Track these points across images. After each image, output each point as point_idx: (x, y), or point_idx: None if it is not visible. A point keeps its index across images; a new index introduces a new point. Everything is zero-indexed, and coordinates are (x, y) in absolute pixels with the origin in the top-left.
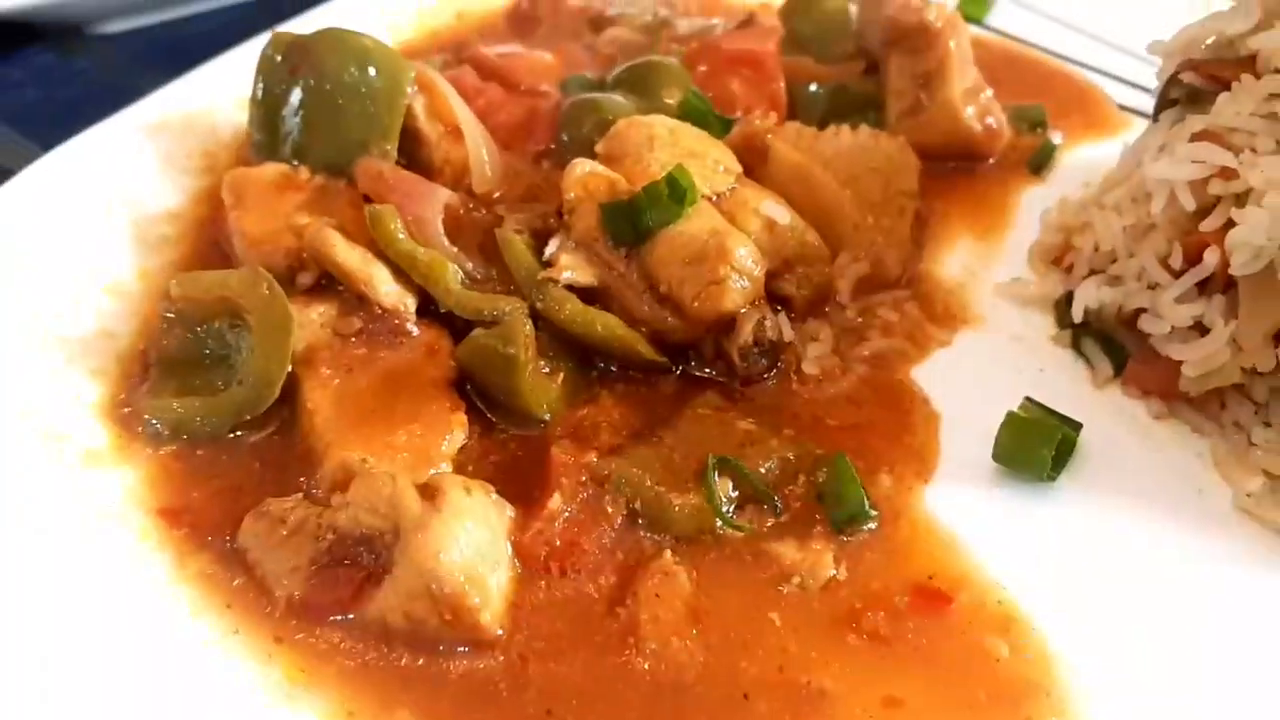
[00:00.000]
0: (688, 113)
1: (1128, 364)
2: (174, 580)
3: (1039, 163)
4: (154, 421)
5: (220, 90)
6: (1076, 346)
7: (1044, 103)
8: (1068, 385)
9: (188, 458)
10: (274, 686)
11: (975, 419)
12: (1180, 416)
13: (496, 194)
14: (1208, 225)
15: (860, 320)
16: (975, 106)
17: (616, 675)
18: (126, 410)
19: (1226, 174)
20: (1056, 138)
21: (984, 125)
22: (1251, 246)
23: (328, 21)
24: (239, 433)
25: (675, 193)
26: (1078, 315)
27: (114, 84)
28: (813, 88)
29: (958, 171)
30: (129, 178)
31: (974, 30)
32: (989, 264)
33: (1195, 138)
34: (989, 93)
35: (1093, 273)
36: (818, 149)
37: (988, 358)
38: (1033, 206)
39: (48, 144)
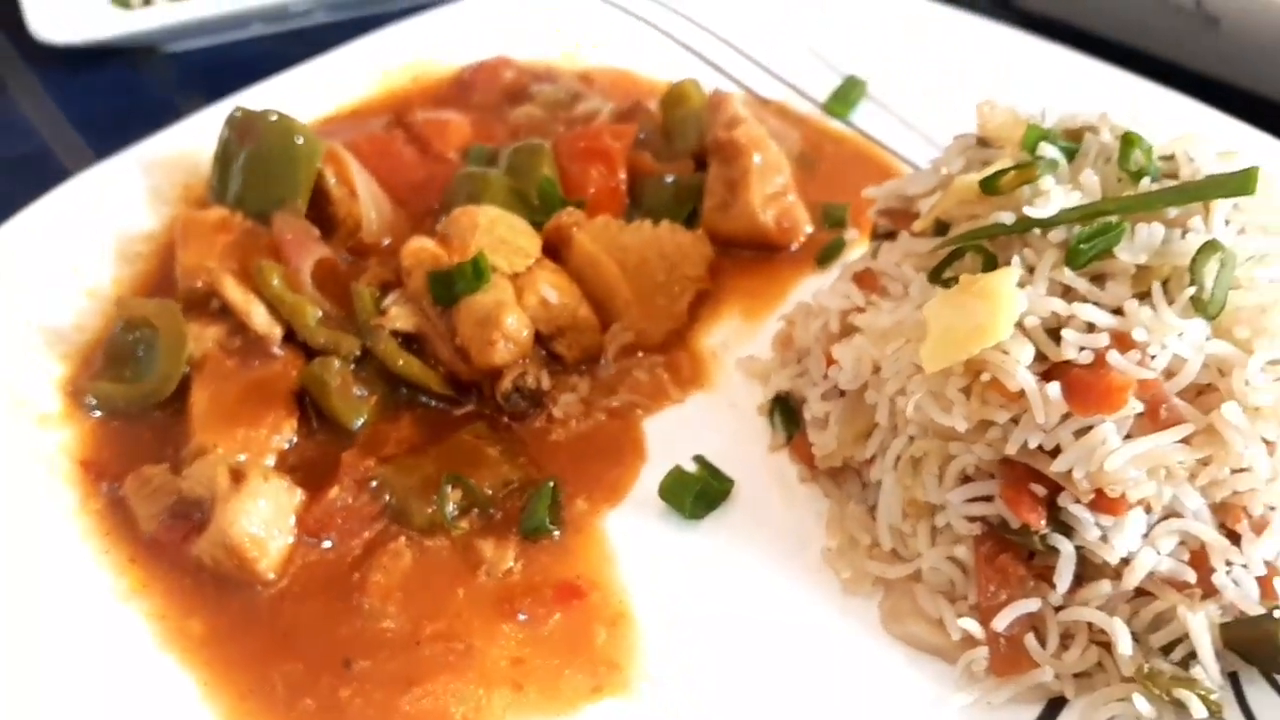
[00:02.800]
0: (541, 194)
1: (795, 437)
2: (78, 511)
3: (825, 256)
4: (91, 398)
5: (208, 135)
6: (770, 416)
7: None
8: (751, 446)
9: (109, 427)
10: (122, 590)
11: (670, 463)
12: (818, 483)
13: (386, 242)
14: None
15: (615, 378)
16: (774, 209)
17: (342, 615)
18: (75, 388)
19: (859, 310)
20: (851, 235)
21: (778, 224)
22: (847, 371)
23: (317, 73)
24: (154, 413)
25: (477, 272)
26: (769, 394)
27: (162, 100)
28: (669, 178)
29: (759, 259)
30: (123, 204)
31: (837, 124)
32: (745, 341)
33: (855, 276)
34: (791, 197)
35: (799, 360)
36: (618, 238)
37: (703, 417)
38: (807, 295)
39: (100, 150)
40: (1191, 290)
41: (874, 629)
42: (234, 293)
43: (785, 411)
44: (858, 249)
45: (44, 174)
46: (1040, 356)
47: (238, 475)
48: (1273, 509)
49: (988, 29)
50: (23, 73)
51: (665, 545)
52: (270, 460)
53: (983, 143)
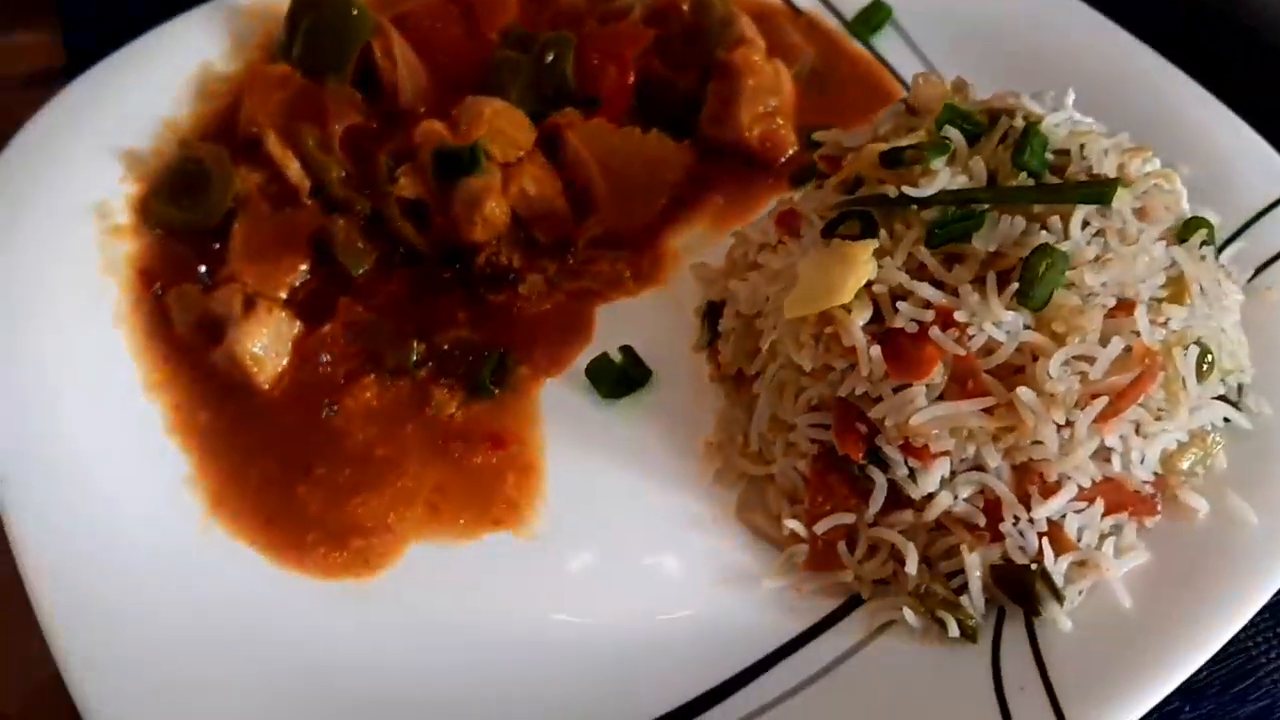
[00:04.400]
0: (555, 87)
1: (714, 341)
2: (130, 311)
3: (798, 178)
4: (154, 217)
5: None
6: (701, 319)
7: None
8: (680, 343)
9: (166, 243)
10: (153, 381)
11: (611, 347)
12: (721, 384)
13: (421, 110)
14: None
15: (581, 265)
16: (761, 127)
17: (314, 428)
18: (143, 206)
19: (770, 246)
20: None
21: (762, 143)
22: (742, 302)
23: None
24: (203, 237)
25: (472, 157)
26: (704, 299)
27: None
28: (675, 85)
29: (742, 172)
30: (211, 46)
31: (859, 45)
32: (708, 248)
33: (778, 214)
34: (780, 120)
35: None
36: (606, 140)
37: (650, 310)
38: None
39: None
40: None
41: (729, 513)
42: (275, 147)
43: (713, 318)
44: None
45: None
46: (880, 319)
47: (250, 303)
48: (1063, 478)
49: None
50: None
51: (583, 417)
52: (283, 293)
53: (912, 110)
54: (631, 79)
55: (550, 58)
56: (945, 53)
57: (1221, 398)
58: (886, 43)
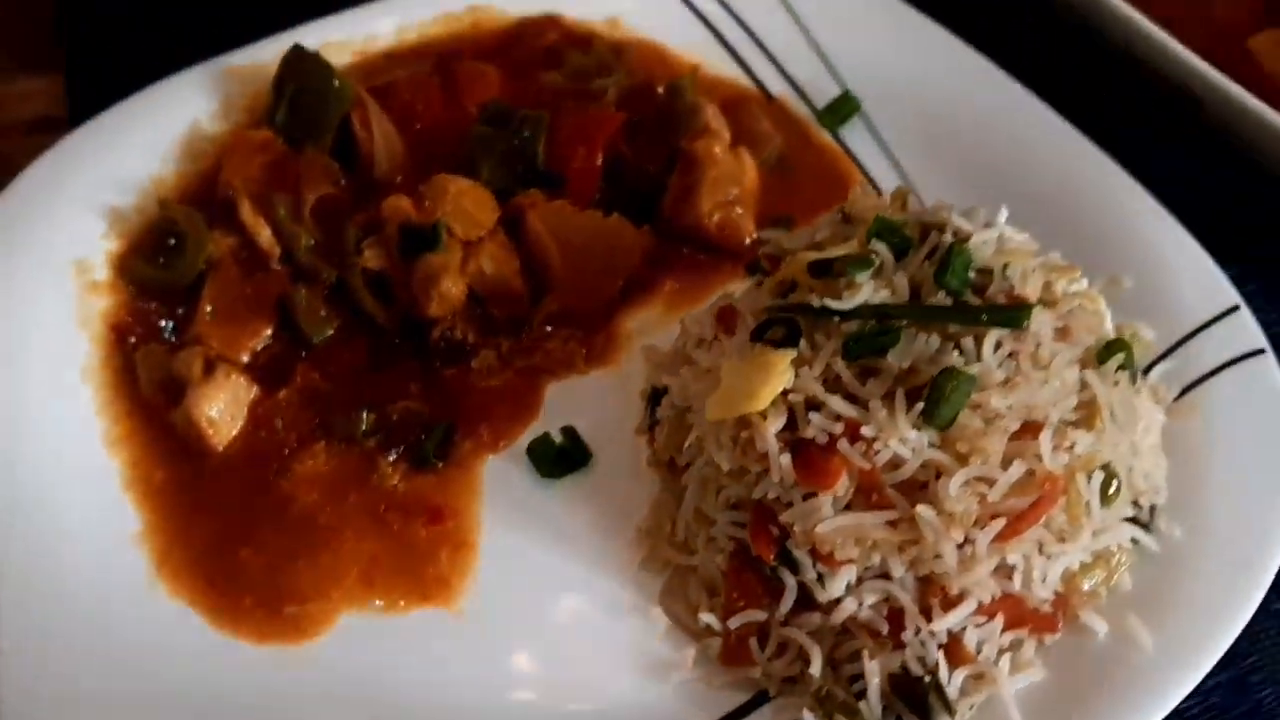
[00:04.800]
0: (524, 166)
1: (654, 426)
2: (100, 366)
3: (752, 267)
4: (129, 275)
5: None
6: (645, 403)
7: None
8: (623, 425)
9: (139, 301)
10: (114, 435)
11: (556, 426)
12: (656, 470)
13: (397, 179)
14: None
15: (534, 343)
16: (720, 215)
17: (263, 492)
18: (120, 263)
19: (705, 342)
20: None
21: (720, 231)
22: (675, 395)
23: (386, 7)
24: (175, 297)
25: (434, 236)
26: (649, 383)
27: None
28: (641, 169)
29: (700, 258)
30: (200, 107)
31: (826, 135)
32: (659, 330)
33: (718, 310)
34: (739, 210)
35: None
36: (567, 222)
37: (597, 391)
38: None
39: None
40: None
41: (652, 599)
42: (248, 214)
43: (655, 402)
44: None
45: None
46: (794, 426)
47: (210, 367)
48: (964, 592)
49: (1001, 85)
50: None
51: (522, 495)
52: (245, 356)
53: (848, 219)
54: (600, 161)
55: (523, 136)
56: (909, 147)
57: (1133, 519)
58: (853, 134)
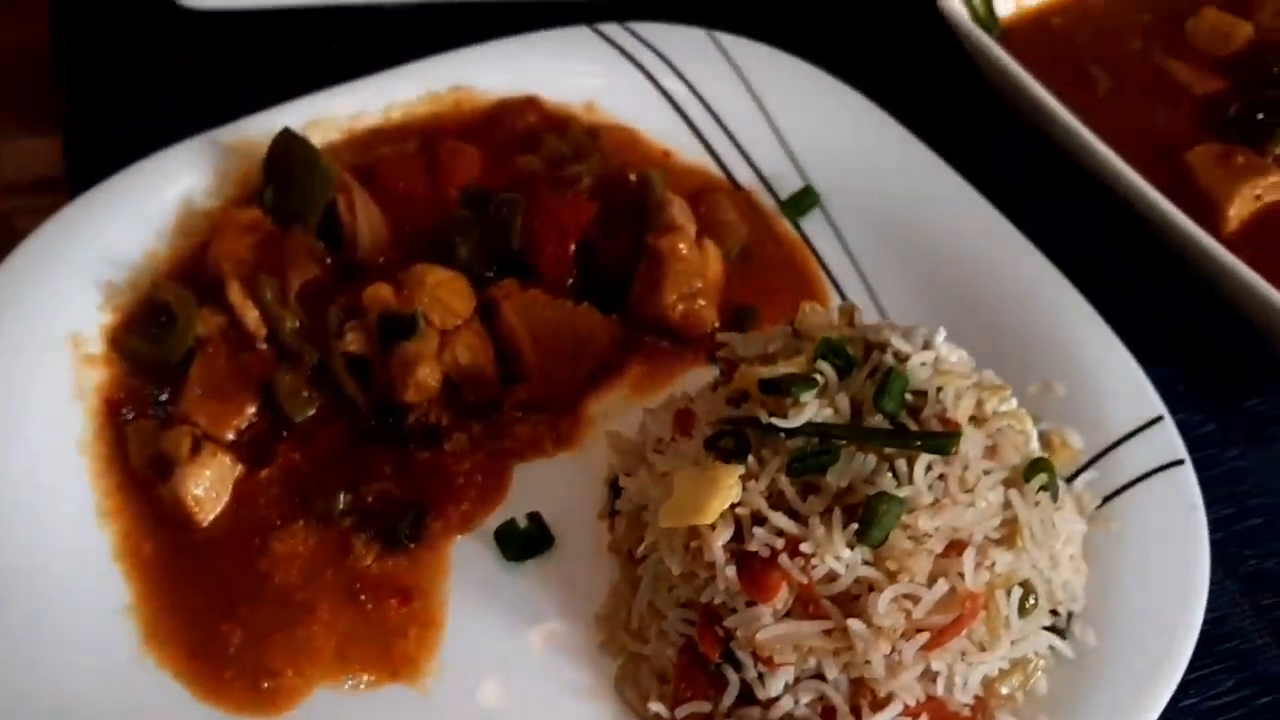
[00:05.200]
0: (500, 252)
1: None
2: (93, 439)
3: (714, 356)
4: (122, 349)
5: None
6: (608, 488)
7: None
8: (586, 509)
9: (132, 375)
10: (106, 507)
11: (525, 507)
12: (616, 556)
13: (380, 259)
14: None
15: (505, 426)
16: (684, 307)
17: (244, 568)
18: (114, 338)
19: (662, 443)
20: None
21: (684, 321)
22: (630, 494)
23: (376, 86)
24: (166, 372)
25: (411, 325)
26: (611, 471)
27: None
28: (611, 258)
29: (665, 344)
30: (193, 181)
31: (789, 226)
32: (624, 415)
33: (676, 410)
34: (702, 301)
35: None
36: (539, 312)
37: (562, 474)
38: (691, 383)
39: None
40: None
41: (608, 684)
42: (236, 296)
43: (617, 489)
44: None
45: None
46: (741, 537)
47: (197, 446)
48: (892, 695)
49: (954, 186)
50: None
51: (488, 576)
52: (230, 435)
53: (798, 334)
54: (572, 250)
55: (500, 219)
56: (864, 241)
57: (1051, 626)
58: (814, 225)
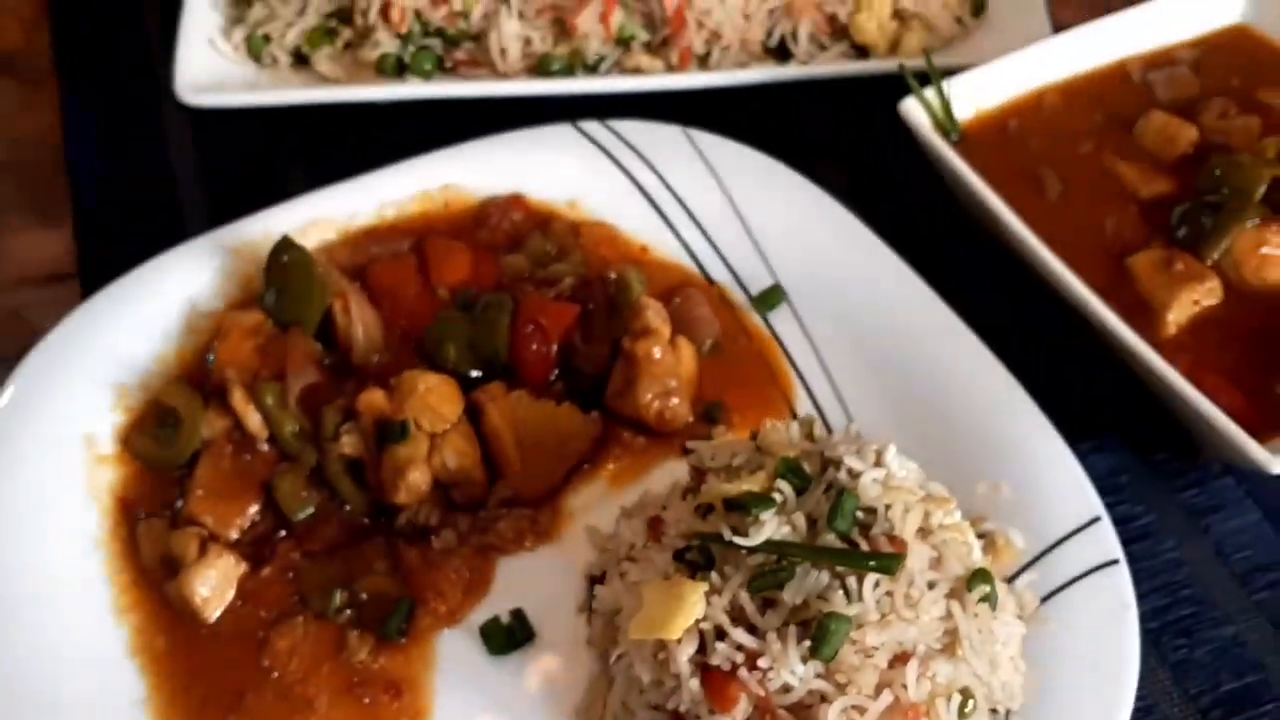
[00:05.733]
0: (487, 354)
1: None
2: (108, 537)
3: (687, 449)
4: (133, 449)
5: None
6: (587, 583)
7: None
8: (566, 603)
9: (144, 474)
10: (122, 603)
11: (508, 599)
12: (594, 650)
13: (375, 358)
14: None
15: (490, 522)
16: (659, 404)
17: (249, 660)
18: (125, 438)
19: (634, 550)
20: (719, 431)
21: (659, 417)
22: (602, 601)
23: (368, 186)
24: (175, 471)
25: (402, 431)
26: (589, 568)
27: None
28: (590, 357)
29: (641, 438)
30: (199, 281)
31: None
32: (603, 509)
33: (649, 518)
34: (675, 400)
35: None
36: (523, 414)
37: (543, 568)
38: (666, 476)
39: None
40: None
41: None
42: (239, 401)
43: (595, 584)
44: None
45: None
46: (704, 649)
47: (204, 548)
48: None
49: (918, 291)
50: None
51: (474, 669)
52: (234, 534)
53: (760, 450)
54: (554, 351)
55: (487, 320)
56: (828, 337)
57: None
58: (782, 321)
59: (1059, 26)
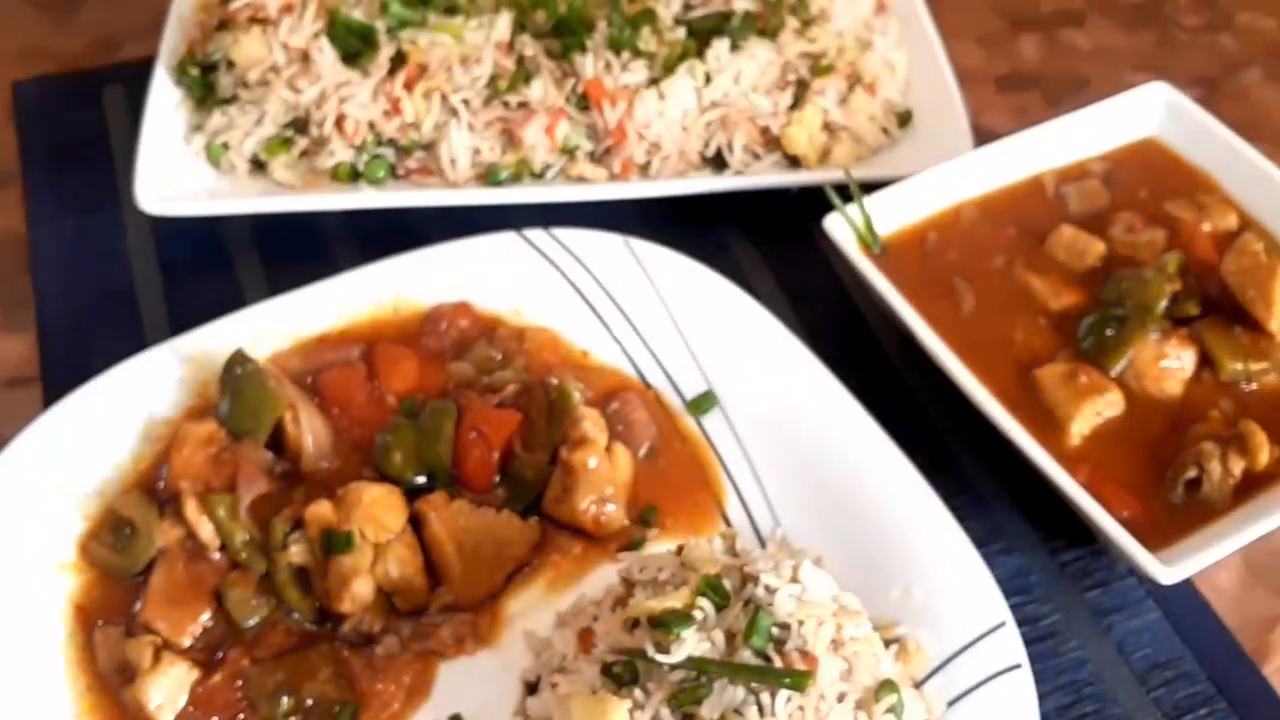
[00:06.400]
0: (432, 461)
1: None
2: (65, 643)
3: (626, 546)
4: (90, 558)
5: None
6: (523, 683)
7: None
8: (505, 704)
9: (102, 581)
10: (81, 708)
11: (447, 702)
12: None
13: (324, 464)
14: None
15: (431, 627)
16: (595, 510)
17: None
18: (83, 546)
19: (566, 661)
20: (652, 534)
21: (595, 522)
22: (535, 709)
23: (306, 299)
24: (131, 579)
25: (347, 541)
26: (522, 673)
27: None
28: (530, 465)
29: (578, 541)
30: (155, 391)
31: (692, 422)
32: (540, 611)
33: (580, 630)
34: (611, 507)
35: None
36: (464, 522)
37: (482, 671)
38: (602, 579)
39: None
40: None
41: None
42: (192, 513)
43: (531, 689)
44: (659, 544)
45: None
46: None
47: (157, 656)
48: None
49: (844, 406)
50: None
51: None
52: (187, 640)
53: (686, 566)
54: (497, 456)
55: (433, 428)
56: (757, 439)
57: None
58: (714, 424)
59: (982, 133)
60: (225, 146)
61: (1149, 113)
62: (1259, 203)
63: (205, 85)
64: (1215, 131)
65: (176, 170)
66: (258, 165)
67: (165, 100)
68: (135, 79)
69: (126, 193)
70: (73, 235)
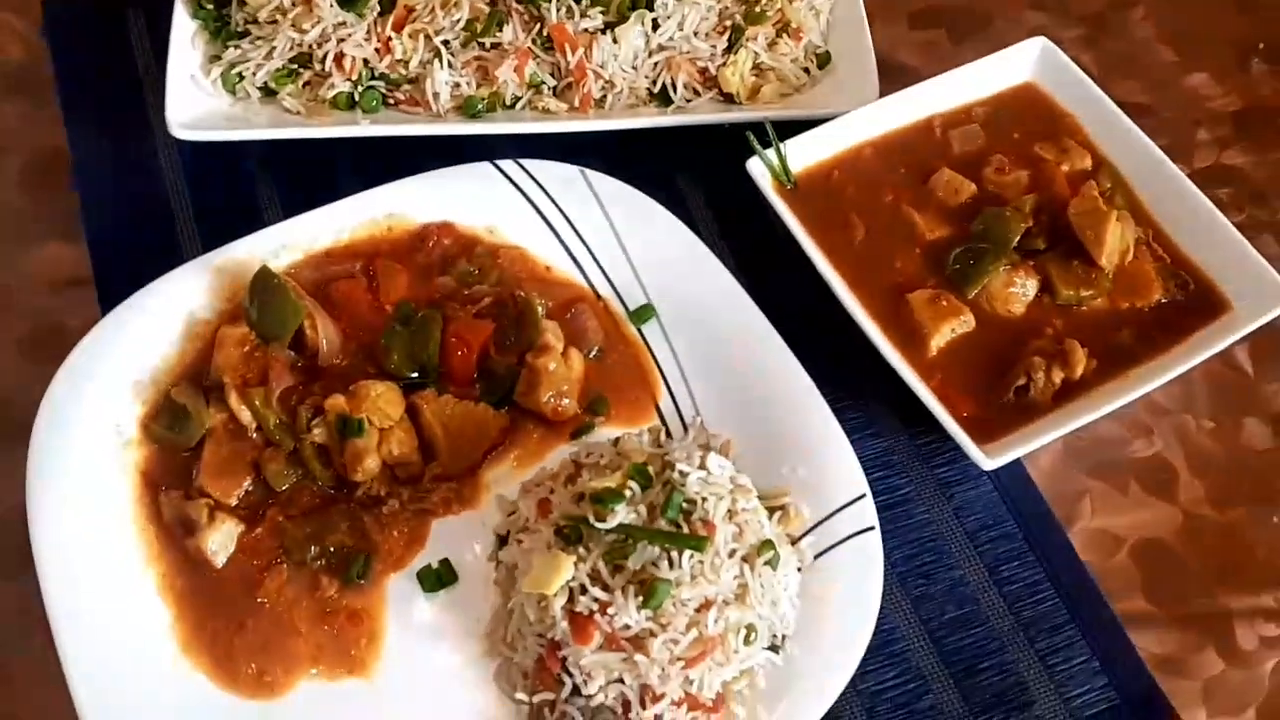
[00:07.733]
0: (423, 362)
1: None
2: (135, 503)
3: (575, 434)
4: (151, 435)
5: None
6: (495, 535)
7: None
8: (479, 552)
9: (162, 453)
10: (149, 556)
11: (439, 551)
12: (500, 590)
13: (337, 360)
14: None
15: (425, 493)
16: (554, 402)
17: (247, 597)
18: (144, 425)
19: (529, 522)
20: (599, 421)
21: (553, 412)
22: (505, 562)
23: (328, 215)
24: (187, 452)
25: (358, 428)
26: (498, 527)
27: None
28: (502, 366)
29: (541, 426)
30: (197, 296)
31: (633, 330)
32: (511, 481)
33: (539, 500)
34: (567, 401)
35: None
36: (450, 412)
37: (466, 527)
38: (558, 456)
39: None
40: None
41: (489, 678)
42: (234, 401)
43: (501, 540)
44: (605, 431)
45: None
46: (571, 601)
47: (212, 515)
48: (665, 694)
49: (756, 322)
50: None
51: (413, 603)
52: (234, 501)
53: (620, 454)
54: (475, 358)
55: (423, 333)
56: (685, 345)
57: (771, 645)
58: (651, 331)
59: (893, 68)
60: (240, 76)
61: (1028, 60)
62: (1111, 144)
63: (219, 19)
64: (1079, 78)
65: (198, 98)
66: (268, 92)
67: (185, 31)
68: (154, 2)
69: (155, 115)
70: (110, 153)
